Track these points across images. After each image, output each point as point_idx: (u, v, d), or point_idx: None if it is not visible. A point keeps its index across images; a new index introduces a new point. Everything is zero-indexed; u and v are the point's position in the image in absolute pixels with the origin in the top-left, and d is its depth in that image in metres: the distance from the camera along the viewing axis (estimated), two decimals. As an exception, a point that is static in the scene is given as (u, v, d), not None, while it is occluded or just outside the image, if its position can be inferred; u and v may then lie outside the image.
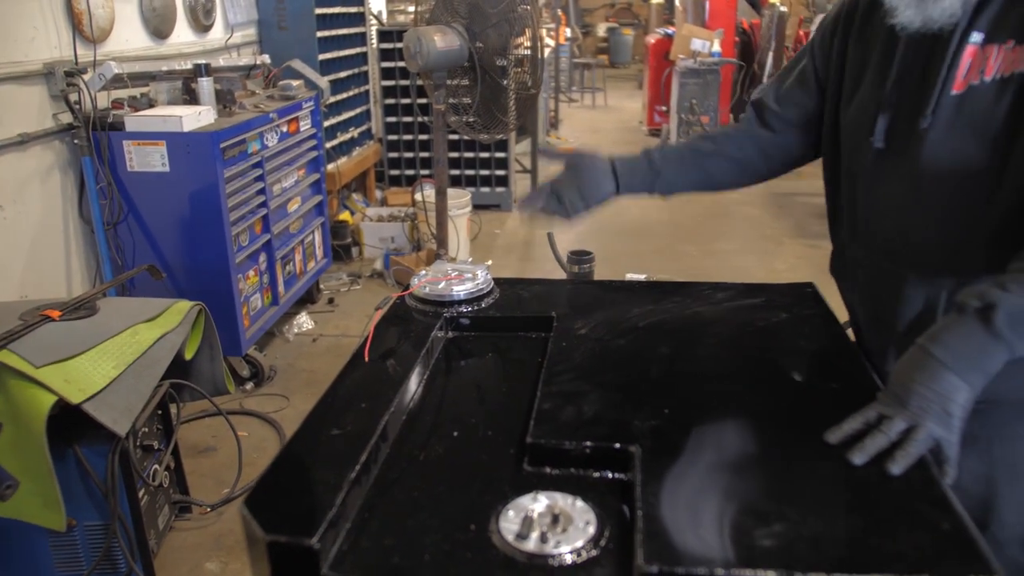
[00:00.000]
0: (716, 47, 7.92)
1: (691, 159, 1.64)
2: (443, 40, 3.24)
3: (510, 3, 3.21)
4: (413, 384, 1.29)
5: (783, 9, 8.41)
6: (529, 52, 3.27)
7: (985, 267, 1.17)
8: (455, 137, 5.90)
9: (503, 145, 6.25)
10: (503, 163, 6.33)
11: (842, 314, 1.57)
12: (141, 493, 2.36)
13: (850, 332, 1.53)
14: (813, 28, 6.81)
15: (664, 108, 8.80)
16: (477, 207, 6.06)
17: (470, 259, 4.75)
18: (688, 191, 1.66)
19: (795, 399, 1.22)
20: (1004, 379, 1.07)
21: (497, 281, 1.69)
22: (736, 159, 1.62)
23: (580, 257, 2.08)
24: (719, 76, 7.85)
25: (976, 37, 1.17)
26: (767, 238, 5.78)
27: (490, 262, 4.54)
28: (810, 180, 7.51)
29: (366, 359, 1.33)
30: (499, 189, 6.37)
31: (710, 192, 1.72)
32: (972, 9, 1.17)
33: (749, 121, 1.62)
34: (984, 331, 1.02)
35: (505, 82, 3.25)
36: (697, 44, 7.91)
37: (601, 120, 11.23)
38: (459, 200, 4.99)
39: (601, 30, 19.63)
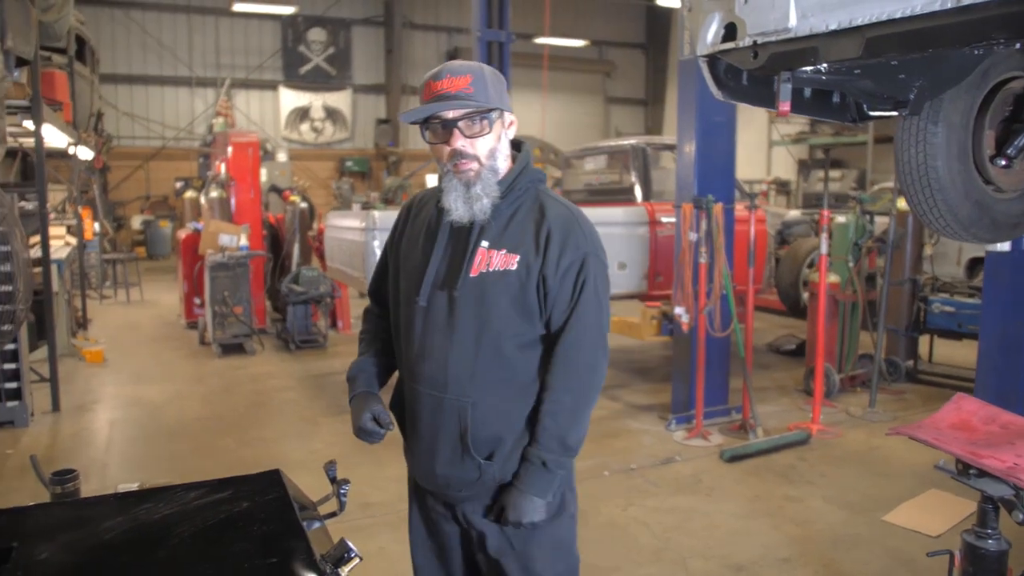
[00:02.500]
0: (244, 241, 8.25)
1: (383, 349, 2.17)
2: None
3: (-11, 220, 3.12)
4: None
5: (303, 205, 9.13)
6: (10, 266, 3.18)
7: (498, 387, 1.89)
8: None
9: (13, 355, 5.73)
10: (15, 375, 5.78)
11: (315, 493, 1.85)
12: None
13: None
14: (336, 221, 7.50)
15: (200, 301, 8.82)
16: (-18, 427, 5.42)
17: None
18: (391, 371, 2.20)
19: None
20: (512, 466, 1.91)
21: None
22: (389, 339, 2.14)
23: (62, 477, 2.07)
24: (248, 268, 8.16)
25: (484, 244, 1.89)
26: (305, 420, 6.02)
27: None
28: (343, 359, 8.05)
29: None
30: (11, 403, 5.76)
31: None
32: (480, 227, 1.88)
33: (375, 309, 2.23)
34: (548, 474, 1.90)
35: (-12, 299, 3.11)
36: (225, 239, 8.17)
37: (137, 316, 10.81)
38: (-48, 424, 4.45)
39: (136, 223, 19.11)
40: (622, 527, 4.15)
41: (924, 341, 7.36)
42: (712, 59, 2.79)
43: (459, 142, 1.84)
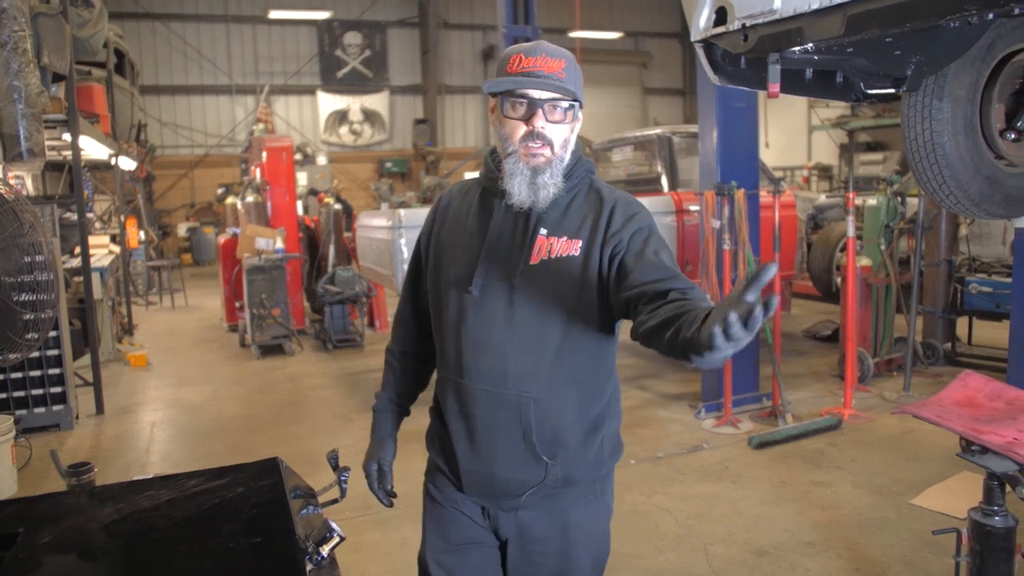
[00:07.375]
0: (280, 244, 8.42)
1: (409, 380, 2.16)
2: (-55, 268, 3.17)
3: (17, 228, 3.26)
4: None
5: (337, 206, 9.27)
6: (45, 274, 3.32)
7: (561, 383, 1.80)
8: (-3, 359, 5.47)
9: (57, 360, 5.94)
10: (59, 379, 5.99)
11: (319, 480, 1.91)
12: None
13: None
14: (365, 221, 7.61)
15: (240, 304, 9.01)
16: (29, 430, 5.64)
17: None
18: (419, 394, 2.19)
19: (226, 557, 1.47)
20: (575, 466, 1.84)
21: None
22: (422, 354, 2.13)
23: (77, 469, 2.17)
24: (285, 271, 8.32)
25: (544, 231, 1.81)
26: (338, 417, 6.14)
27: None
28: (379, 357, 8.14)
29: None
30: (56, 407, 5.97)
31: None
32: (539, 215, 1.81)
33: (408, 314, 2.14)
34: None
35: (18, 304, 3.24)
36: (261, 243, 8.34)
37: (181, 321, 11.08)
38: (-1, 426, 4.64)
39: (182, 230, 19.56)
40: (645, 514, 4.17)
41: (964, 323, 7.22)
42: (708, 44, 2.81)
43: (539, 122, 1.76)
